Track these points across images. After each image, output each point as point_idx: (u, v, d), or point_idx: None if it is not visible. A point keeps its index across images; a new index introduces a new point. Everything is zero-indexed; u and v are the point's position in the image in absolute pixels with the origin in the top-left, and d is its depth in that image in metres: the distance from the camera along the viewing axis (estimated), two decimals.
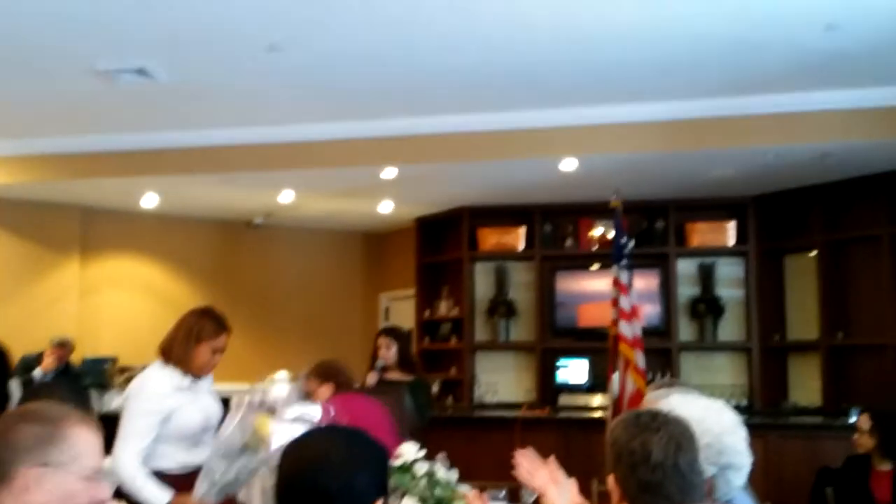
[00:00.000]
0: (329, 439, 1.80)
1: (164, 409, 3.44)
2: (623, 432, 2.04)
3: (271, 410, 3.10)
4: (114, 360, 7.75)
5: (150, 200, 8.02)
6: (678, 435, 2.00)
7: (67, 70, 5.40)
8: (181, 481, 3.37)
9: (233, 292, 9.13)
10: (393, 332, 5.51)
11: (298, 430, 2.72)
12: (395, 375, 5.29)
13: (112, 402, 7.36)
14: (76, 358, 7.62)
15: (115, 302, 8.69)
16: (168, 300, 8.93)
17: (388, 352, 5.32)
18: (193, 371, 3.55)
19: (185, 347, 3.53)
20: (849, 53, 5.11)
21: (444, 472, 2.79)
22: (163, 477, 3.36)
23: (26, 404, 2.00)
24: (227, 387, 7.34)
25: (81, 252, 8.47)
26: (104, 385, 7.40)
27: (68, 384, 2.91)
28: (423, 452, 2.85)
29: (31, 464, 1.78)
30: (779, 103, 5.92)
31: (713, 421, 2.29)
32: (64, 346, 7.02)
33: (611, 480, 2.05)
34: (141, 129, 6.64)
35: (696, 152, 6.31)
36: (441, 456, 3.29)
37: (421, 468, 2.75)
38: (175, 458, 3.46)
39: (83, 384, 7.38)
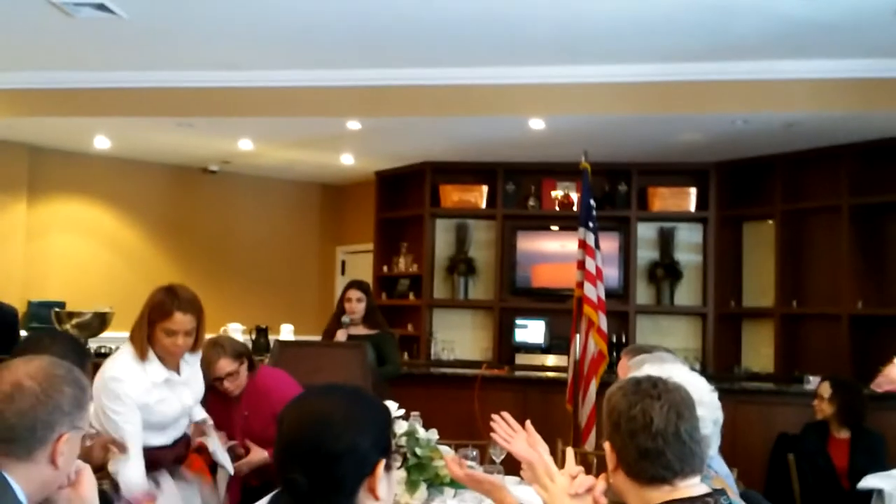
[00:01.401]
0: (331, 399, 1.72)
1: (141, 407, 3.12)
2: (622, 399, 1.99)
3: None
4: (62, 305, 7.54)
5: (102, 142, 7.76)
6: (679, 402, 1.96)
7: (23, 0, 5.13)
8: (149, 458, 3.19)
9: (187, 240, 8.95)
10: (363, 286, 5.41)
11: None
12: (359, 330, 5.20)
13: None
14: (22, 301, 7.41)
15: (63, 246, 8.44)
16: (119, 246, 8.73)
17: (359, 305, 5.22)
18: (163, 360, 3.21)
19: (140, 331, 3.16)
20: (821, 23, 5.10)
21: (424, 432, 2.73)
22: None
23: (48, 358, 1.89)
24: None
25: (29, 193, 8.18)
26: (52, 330, 7.20)
27: (69, 337, 2.70)
28: (402, 411, 2.79)
29: (67, 427, 1.79)
30: (749, 70, 5.90)
31: (694, 377, 2.36)
32: None
33: (607, 447, 2.00)
34: (96, 67, 6.38)
35: (665, 116, 6.27)
36: (415, 415, 3.24)
37: (401, 427, 2.68)
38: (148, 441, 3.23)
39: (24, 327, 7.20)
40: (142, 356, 3.14)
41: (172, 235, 8.94)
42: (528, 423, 2.70)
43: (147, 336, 3.15)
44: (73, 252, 8.47)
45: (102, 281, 8.39)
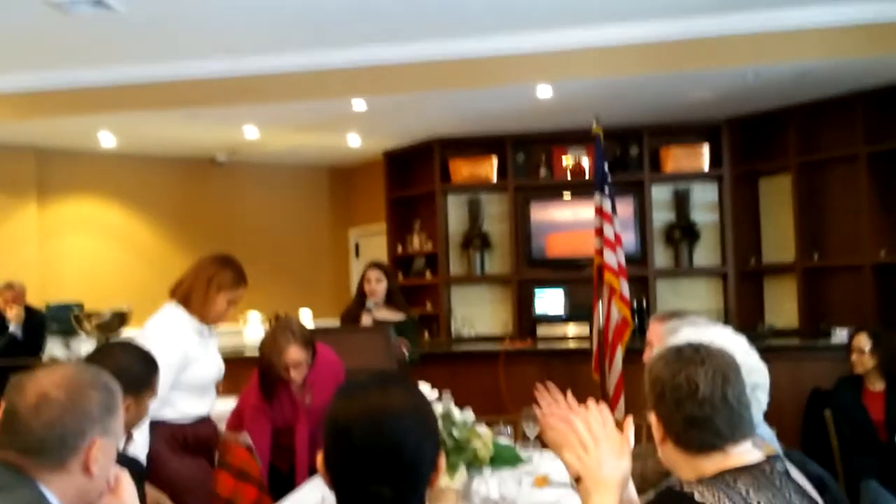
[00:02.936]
0: (393, 396, 1.61)
1: (184, 358, 3.28)
2: (665, 368, 1.92)
3: None
4: (80, 306, 7.53)
5: (107, 139, 7.71)
6: (724, 367, 1.90)
7: (19, 1, 5.06)
8: (183, 431, 3.27)
9: (198, 232, 8.91)
10: (383, 267, 5.33)
11: None
12: (383, 314, 5.13)
13: (80, 348, 7.19)
14: (40, 303, 7.40)
15: (76, 246, 8.43)
16: (131, 242, 8.72)
17: (379, 286, 5.14)
18: (209, 321, 3.40)
19: (203, 295, 3.36)
20: None
21: (460, 413, 2.68)
22: (164, 427, 3.20)
23: (75, 364, 1.88)
24: None
25: (38, 195, 8.17)
26: (71, 331, 7.20)
27: (137, 348, 2.70)
28: (435, 393, 2.73)
29: (98, 433, 1.75)
30: (758, 22, 5.79)
31: (733, 342, 2.28)
32: (12, 289, 6.82)
33: (653, 419, 1.94)
34: (97, 64, 6.32)
35: (674, 74, 6.16)
36: (446, 394, 3.19)
37: (436, 409, 2.62)
38: (181, 408, 3.30)
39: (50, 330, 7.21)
40: (201, 319, 3.36)
41: (184, 229, 8.91)
42: (568, 393, 2.61)
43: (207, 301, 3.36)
44: (87, 251, 8.46)
45: (117, 278, 8.37)
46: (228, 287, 3.38)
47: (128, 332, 6.60)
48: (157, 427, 3.15)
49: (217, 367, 3.46)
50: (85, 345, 7.12)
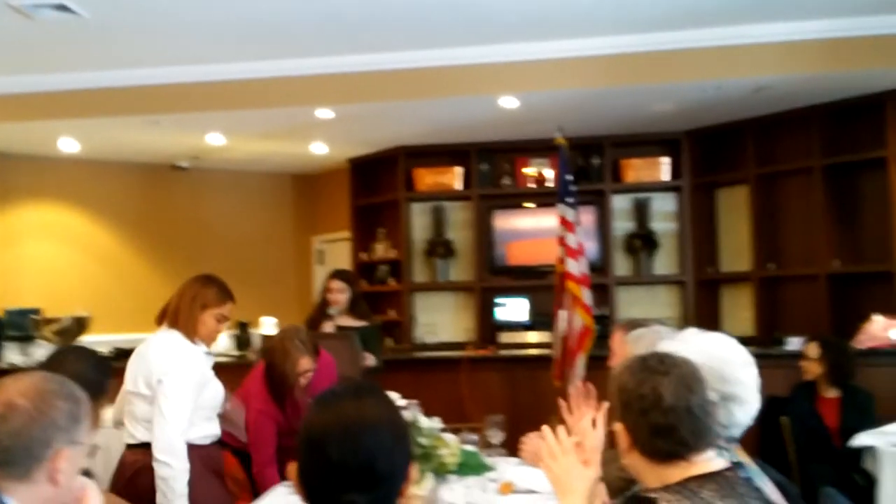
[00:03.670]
0: (366, 407, 1.64)
1: (203, 377, 3.32)
2: (631, 378, 1.98)
3: None
4: (38, 312, 7.44)
5: (69, 145, 7.63)
6: (688, 376, 1.96)
7: None
8: (208, 452, 3.31)
9: (161, 238, 8.85)
10: (346, 276, 5.36)
11: None
12: (346, 321, 5.16)
13: (38, 354, 7.10)
14: None
15: (36, 252, 8.31)
16: (92, 248, 8.62)
17: (342, 296, 5.17)
18: (202, 340, 3.42)
19: (189, 315, 3.37)
20: None
21: (427, 421, 2.71)
22: (192, 449, 3.23)
23: (40, 373, 1.85)
24: None
25: None
26: (29, 337, 7.11)
27: (92, 354, 2.68)
28: (403, 402, 2.77)
29: (64, 443, 1.73)
30: (718, 36, 5.91)
31: (720, 348, 2.27)
32: None
33: (619, 428, 2.00)
34: (60, 69, 6.27)
35: (636, 87, 6.27)
36: (413, 403, 3.23)
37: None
38: (203, 430, 3.34)
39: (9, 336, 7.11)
40: (191, 339, 3.36)
41: (145, 235, 8.84)
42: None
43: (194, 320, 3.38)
44: (47, 258, 8.35)
45: (78, 285, 8.28)
46: (214, 304, 3.41)
47: (87, 339, 6.55)
48: (192, 450, 3.19)
49: (221, 386, 3.49)
50: (42, 351, 7.03)
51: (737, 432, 2.23)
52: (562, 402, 2.69)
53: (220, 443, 3.51)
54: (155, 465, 3.10)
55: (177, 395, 3.18)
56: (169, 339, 3.36)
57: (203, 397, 3.31)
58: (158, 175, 8.95)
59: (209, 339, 3.45)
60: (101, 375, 2.62)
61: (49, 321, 7.16)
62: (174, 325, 3.38)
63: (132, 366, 3.37)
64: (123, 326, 8.01)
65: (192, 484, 3.13)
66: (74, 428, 1.76)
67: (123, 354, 6.82)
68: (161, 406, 3.16)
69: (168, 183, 9.02)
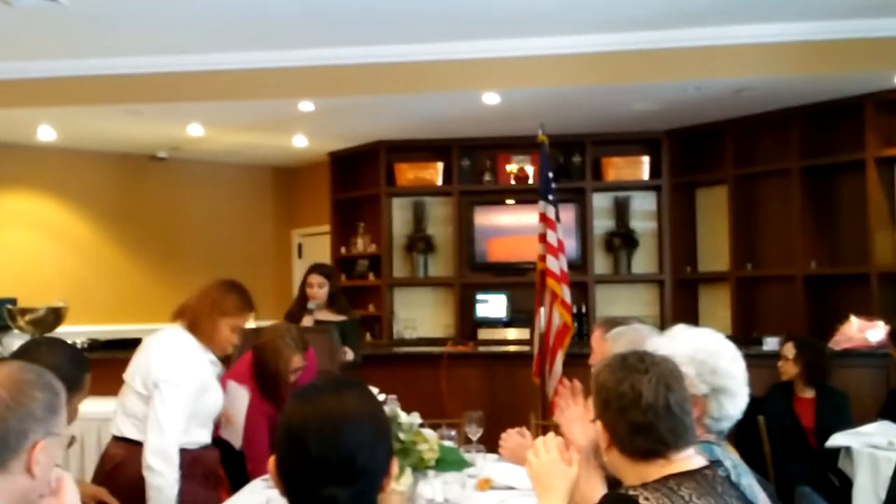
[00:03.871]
0: (347, 401, 1.62)
1: (202, 383, 3.23)
2: (610, 376, 1.99)
3: None
4: (13, 301, 7.36)
5: (47, 133, 7.55)
6: (667, 375, 1.97)
7: None
8: (193, 456, 3.22)
9: (139, 229, 8.79)
10: (324, 270, 5.34)
11: None
12: (325, 315, 5.15)
13: (13, 344, 7.03)
14: None
15: (11, 241, 8.22)
16: (69, 238, 8.55)
17: (321, 290, 5.16)
18: (212, 346, 3.31)
19: (208, 320, 3.27)
20: None
21: (406, 416, 2.71)
22: (181, 453, 3.14)
23: (18, 363, 1.83)
24: (134, 327, 7.10)
25: None
26: (3, 327, 7.04)
27: (67, 345, 2.61)
28: (383, 396, 2.76)
29: (41, 434, 1.71)
30: (700, 37, 5.93)
31: (710, 342, 2.32)
32: None
33: (598, 426, 2.00)
34: (39, 57, 6.19)
35: (618, 86, 6.28)
36: (392, 398, 3.22)
37: None
38: (195, 436, 3.25)
39: None
40: (206, 344, 3.27)
41: (123, 225, 8.77)
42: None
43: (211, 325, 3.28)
44: (22, 247, 8.26)
45: (54, 275, 8.20)
46: (232, 313, 3.31)
47: (64, 329, 6.48)
48: (180, 454, 3.12)
49: (220, 397, 3.41)
50: (17, 341, 6.96)
51: (727, 425, 2.27)
52: (554, 403, 2.72)
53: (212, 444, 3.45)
54: (146, 472, 3.02)
55: (173, 402, 3.09)
56: (176, 340, 3.26)
57: (200, 404, 3.22)
58: (137, 165, 8.88)
59: (220, 348, 3.34)
60: (78, 371, 2.56)
61: (24, 311, 7.09)
62: (194, 329, 3.28)
63: (136, 358, 3.29)
64: (100, 317, 7.96)
65: (179, 488, 3.09)
66: (52, 419, 1.74)
67: (99, 346, 6.88)
68: (157, 412, 3.08)
69: (146, 173, 8.96)
